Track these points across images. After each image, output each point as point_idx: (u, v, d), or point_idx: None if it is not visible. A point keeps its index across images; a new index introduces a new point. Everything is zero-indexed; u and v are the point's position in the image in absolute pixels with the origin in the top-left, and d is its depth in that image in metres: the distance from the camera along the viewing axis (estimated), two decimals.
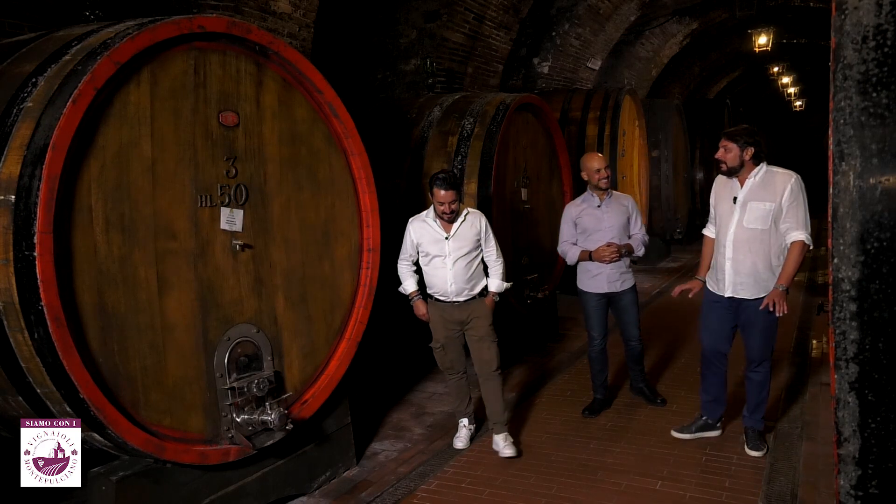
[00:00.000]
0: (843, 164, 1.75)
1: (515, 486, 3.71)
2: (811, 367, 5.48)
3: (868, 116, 1.72)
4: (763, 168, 3.74)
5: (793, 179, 3.66)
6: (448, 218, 3.95)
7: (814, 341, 6.25)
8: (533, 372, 5.69)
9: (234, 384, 3.17)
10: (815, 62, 19.35)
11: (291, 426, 3.28)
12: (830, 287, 1.81)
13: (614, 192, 4.60)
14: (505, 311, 5.59)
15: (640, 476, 3.71)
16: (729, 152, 3.74)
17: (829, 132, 1.79)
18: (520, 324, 5.91)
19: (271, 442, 3.27)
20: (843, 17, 1.75)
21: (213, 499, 3.19)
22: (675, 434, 4.16)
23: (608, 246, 4.42)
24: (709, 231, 4.07)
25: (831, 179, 1.77)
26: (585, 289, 4.58)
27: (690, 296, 4.07)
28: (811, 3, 12.53)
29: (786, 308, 3.54)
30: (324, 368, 3.74)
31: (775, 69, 20.84)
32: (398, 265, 4.16)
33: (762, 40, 14.62)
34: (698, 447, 4.02)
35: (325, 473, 3.81)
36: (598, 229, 4.49)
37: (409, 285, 4.15)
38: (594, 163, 4.49)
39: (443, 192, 3.88)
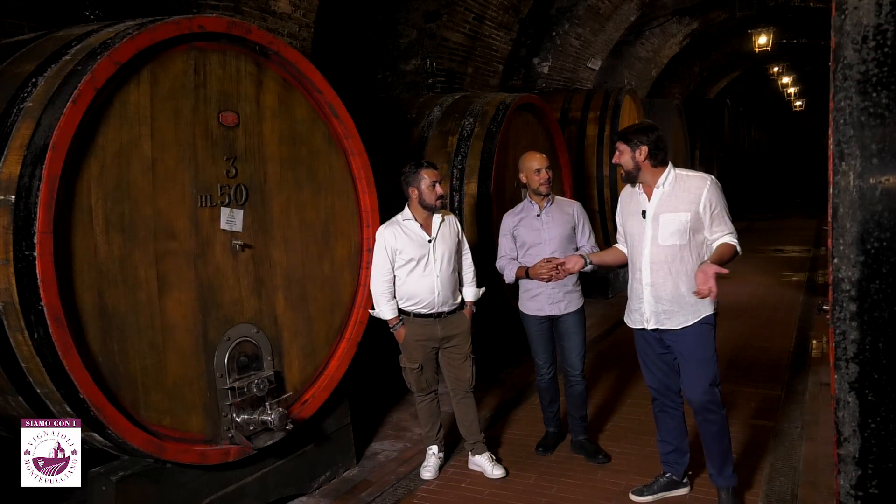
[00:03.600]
0: (843, 164, 1.75)
1: (515, 486, 3.71)
2: (811, 367, 5.48)
3: (868, 116, 1.72)
4: (671, 173, 3.21)
5: (708, 183, 3.14)
6: (441, 204, 3.69)
7: (814, 341, 6.25)
8: (531, 373, 5.67)
9: (235, 384, 3.17)
10: (815, 62, 19.38)
11: (291, 426, 3.28)
12: (830, 287, 1.81)
13: (558, 197, 4.04)
14: (504, 312, 5.59)
15: (640, 476, 3.71)
16: (622, 154, 3.25)
17: (829, 132, 1.79)
18: (519, 324, 5.90)
19: (271, 442, 3.27)
20: (843, 17, 1.75)
21: (213, 499, 3.19)
22: (633, 498, 3.50)
23: (547, 262, 3.69)
24: (620, 246, 3.57)
25: (831, 179, 1.77)
26: (525, 310, 4.01)
27: (562, 270, 3.51)
28: (811, 3, 12.54)
29: (713, 285, 2.89)
30: (324, 368, 3.74)
31: (775, 69, 20.88)
32: (373, 284, 3.73)
33: (762, 40, 14.63)
34: (699, 447, 3.99)
35: (325, 473, 3.81)
36: (537, 242, 3.89)
37: (388, 310, 3.70)
38: (533, 162, 3.88)
39: (432, 170, 3.67)
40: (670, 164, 3.26)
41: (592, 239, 4.03)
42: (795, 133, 30.75)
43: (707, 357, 3.21)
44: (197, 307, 3.08)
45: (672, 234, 3.15)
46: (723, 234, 3.14)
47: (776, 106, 27.65)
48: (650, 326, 3.28)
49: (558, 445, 4.15)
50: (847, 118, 1.74)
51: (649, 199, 3.24)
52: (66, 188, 2.58)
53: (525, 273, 3.85)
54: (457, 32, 7.69)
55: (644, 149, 3.19)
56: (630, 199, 3.37)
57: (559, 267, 3.56)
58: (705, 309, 3.19)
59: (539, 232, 3.90)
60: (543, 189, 3.88)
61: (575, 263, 3.52)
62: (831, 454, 1.91)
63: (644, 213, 3.25)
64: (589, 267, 3.56)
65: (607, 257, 3.62)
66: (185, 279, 3.03)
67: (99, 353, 2.72)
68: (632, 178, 3.28)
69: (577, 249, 3.95)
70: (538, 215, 3.92)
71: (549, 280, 3.74)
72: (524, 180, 3.95)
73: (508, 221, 4.03)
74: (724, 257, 3.08)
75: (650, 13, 11.88)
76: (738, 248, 3.14)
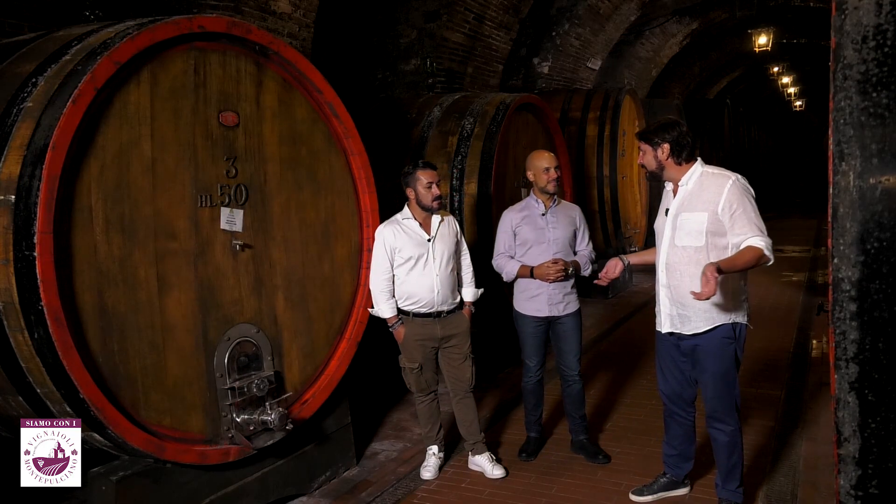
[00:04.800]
0: (843, 164, 1.75)
1: (515, 486, 3.71)
2: (811, 367, 5.48)
3: (868, 116, 1.72)
4: (697, 170, 3.10)
5: (729, 182, 2.97)
6: (439, 205, 3.67)
7: (814, 341, 6.25)
8: None
9: (235, 384, 3.17)
10: (815, 62, 19.39)
11: (291, 426, 3.28)
12: (830, 287, 1.82)
13: (562, 200, 4.01)
14: (504, 312, 5.59)
15: (640, 476, 3.71)
16: (645, 155, 3.17)
17: (829, 132, 1.79)
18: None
19: (271, 442, 3.27)
20: (843, 17, 1.75)
21: (213, 499, 3.19)
22: (633, 497, 3.48)
23: (554, 263, 3.75)
24: None
25: (831, 179, 1.78)
26: (522, 311, 3.94)
27: (604, 277, 3.41)
28: (811, 3, 12.55)
29: (713, 288, 2.74)
30: (324, 368, 3.74)
31: (775, 69, 20.91)
32: (372, 283, 3.73)
33: (762, 40, 14.65)
34: (702, 451, 3.98)
35: (325, 473, 3.81)
36: (539, 242, 3.84)
37: (387, 309, 3.70)
38: (542, 161, 3.83)
39: (429, 171, 3.65)
40: (699, 161, 3.14)
41: (591, 245, 4.03)
42: (795, 133, 30.78)
43: (720, 372, 3.10)
44: (197, 307, 3.08)
45: (688, 235, 3.03)
46: (748, 237, 2.92)
47: (776, 106, 27.67)
48: (664, 330, 3.21)
49: (539, 451, 4.10)
50: (847, 118, 1.74)
51: (674, 197, 3.17)
52: (66, 188, 2.58)
53: (530, 272, 3.82)
54: (457, 32, 7.70)
55: (666, 147, 3.10)
56: (665, 197, 3.28)
57: (601, 275, 3.47)
58: (720, 318, 3.06)
59: (543, 231, 3.85)
60: (551, 188, 3.83)
61: (615, 267, 3.37)
62: (831, 454, 1.91)
63: (667, 211, 3.17)
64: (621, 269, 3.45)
65: (648, 257, 3.42)
66: (185, 279, 3.03)
67: (99, 353, 2.72)
68: (656, 178, 3.21)
69: (574, 253, 3.96)
70: (543, 214, 3.87)
71: (555, 281, 3.76)
72: (531, 178, 3.88)
73: (510, 218, 3.94)
74: (739, 261, 2.89)
75: (650, 13, 11.89)
76: (767, 252, 2.90)
